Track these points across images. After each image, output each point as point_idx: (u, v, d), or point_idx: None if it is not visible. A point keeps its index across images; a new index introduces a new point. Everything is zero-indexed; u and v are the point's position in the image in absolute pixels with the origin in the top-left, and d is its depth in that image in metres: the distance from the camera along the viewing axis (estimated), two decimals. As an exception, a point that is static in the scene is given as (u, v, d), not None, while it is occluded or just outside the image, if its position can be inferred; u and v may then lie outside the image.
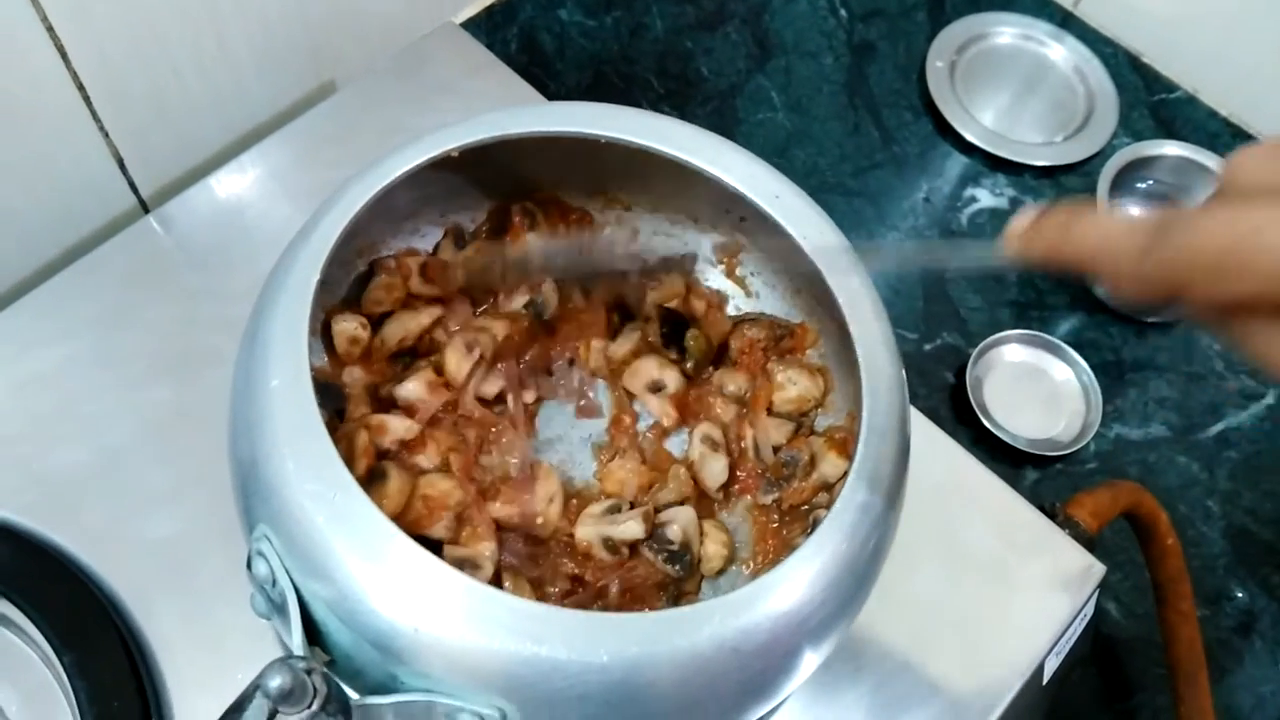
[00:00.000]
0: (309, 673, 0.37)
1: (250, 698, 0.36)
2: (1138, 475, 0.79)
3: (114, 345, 0.62)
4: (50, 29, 0.59)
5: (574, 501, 0.53)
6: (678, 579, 0.50)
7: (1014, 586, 0.61)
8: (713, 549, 0.51)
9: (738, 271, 0.59)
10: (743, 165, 0.49)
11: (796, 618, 0.40)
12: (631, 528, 0.50)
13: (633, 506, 0.52)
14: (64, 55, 0.62)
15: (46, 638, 0.53)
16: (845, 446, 0.52)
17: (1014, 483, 0.66)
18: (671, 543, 0.50)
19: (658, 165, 0.51)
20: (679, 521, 0.51)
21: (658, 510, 0.52)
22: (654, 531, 0.51)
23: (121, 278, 0.65)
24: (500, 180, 0.57)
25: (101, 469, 0.59)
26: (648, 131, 0.50)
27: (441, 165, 0.49)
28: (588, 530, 0.51)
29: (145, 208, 0.73)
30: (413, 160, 0.47)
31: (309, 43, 0.75)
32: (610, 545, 0.50)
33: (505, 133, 0.48)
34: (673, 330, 0.56)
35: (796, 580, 0.41)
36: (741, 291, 0.59)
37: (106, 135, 0.68)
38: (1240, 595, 0.76)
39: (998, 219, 0.89)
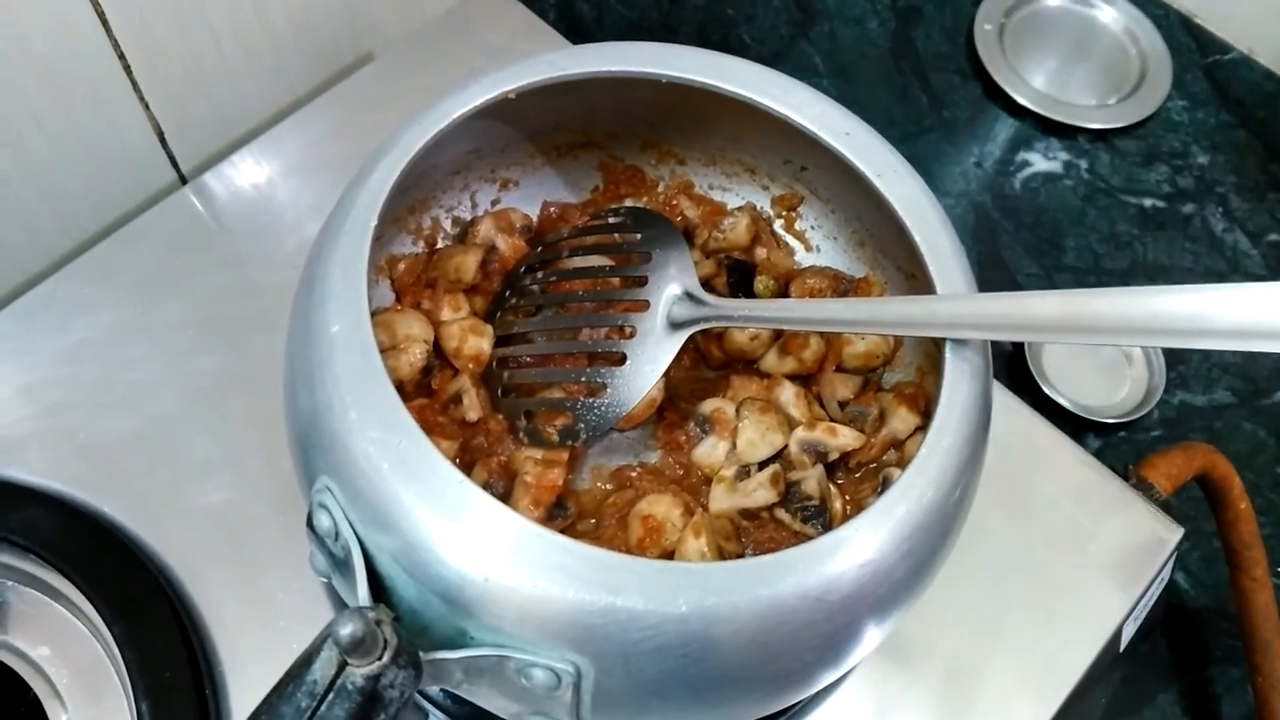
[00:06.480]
0: (379, 624, 0.35)
1: (319, 649, 0.35)
2: (1204, 442, 0.77)
3: (159, 313, 0.61)
4: (91, -7, 0.59)
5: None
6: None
7: (1088, 550, 0.59)
8: (839, 505, 0.49)
9: (797, 225, 0.57)
10: (811, 103, 0.47)
11: (883, 566, 0.38)
12: (761, 495, 0.48)
13: (761, 468, 0.50)
14: (105, 22, 0.61)
15: (96, 609, 0.52)
16: (916, 401, 0.50)
17: (1077, 452, 0.64)
18: (810, 498, 0.48)
19: (717, 109, 0.49)
20: (814, 476, 0.49)
21: (786, 469, 0.50)
22: (788, 490, 0.49)
23: (165, 245, 0.64)
24: (552, 134, 0.56)
25: (150, 437, 0.58)
26: (711, 70, 0.48)
27: (493, 115, 0.48)
28: (722, 503, 0.49)
29: (184, 180, 0.72)
30: (470, 102, 0.45)
31: (348, 11, 0.74)
32: (748, 515, 0.48)
33: (565, 73, 0.47)
34: (740, 278, 0.54)
35: (882, 527, 0.39)
36: (802, 246, 0.57)
37: (147, 106, 0.67)
38: (1315, 564, 0.74)
39: (1051, 183, 0.87)
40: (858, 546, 0.38)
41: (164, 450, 0.57)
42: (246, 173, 0.68)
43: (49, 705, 0.54)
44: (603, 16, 0.89)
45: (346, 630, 0.33)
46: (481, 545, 0.37)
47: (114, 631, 0.52)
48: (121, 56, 0.63)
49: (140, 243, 0.64)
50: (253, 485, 0.56)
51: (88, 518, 0.55)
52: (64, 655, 0.55)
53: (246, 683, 0.52)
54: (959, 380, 0.42)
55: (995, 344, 0.77)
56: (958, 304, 0.43)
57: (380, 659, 0.35)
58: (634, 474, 0.52)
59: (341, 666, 0.34)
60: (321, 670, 0.34)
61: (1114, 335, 0.39)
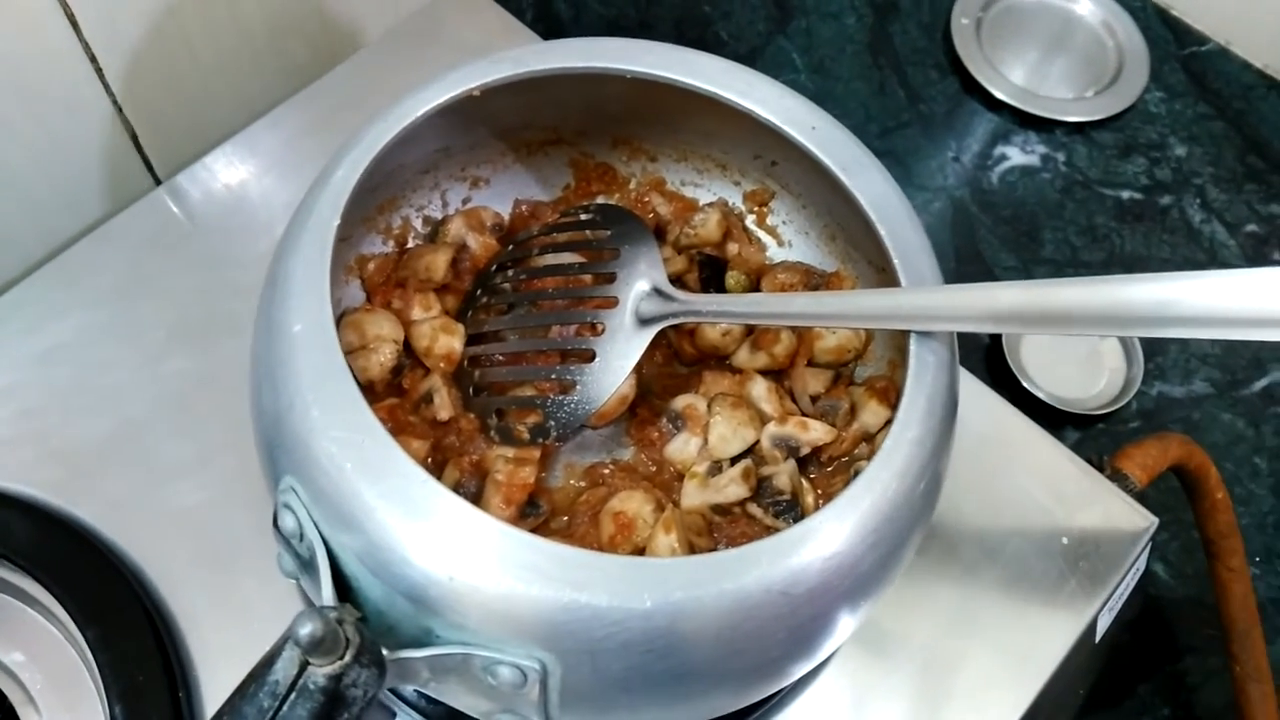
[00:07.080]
0: (340, 623, 0.35)
1: (280, 649, 0.35)
2: (1182, 433, 0.77)
3: (132, 316, 0.61)
4: (60, -2, 0.58)
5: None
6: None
7: (1063, 542, 0.59)
8: (811, 500, 0.49)
9: (769, 220, 0.57)
10: (777, 98, 0.47)
11: (848, 558, 0.38)
12: (733, 490, 0.48)
13: (733, 463, 0.49)
14: (75, 25, 0.60)
15: (69, 613, 0.52)
16: (887, 395, 0.50)
17: (1055, 444, 0.64)
18: (782, 493, 0.48)
19: (687, 105, 0.49)
20: (785, 471, 0.49)
21: (758, 464, 0.50)
22: (759, 485, 0.49)
23: (138, 247, 0.64)
24: (522, 131, 0.56)
25: (122, 440, 0.58)
26: (678, 66, 0.48)
27: (459, 112, 0.48)
28: (694, 499, 0.49)
29: (158, 181, 0.72)
30: (434, 100, 0.45)
31: (321, 10, 0.74)
32: (720, 510, 0.48)
33: (529, 69, 0.47)
34: (712, 274, 0.54)
35: (847, 519, 0.39)
36: (774, 241, 0.57)
37: (120, 109, 0.67)
38: (1293, 552, 0.74)
39: (1029, 176, 0.87)
40: (823, 539, 0.39)
41: (137, 453, 0.57)
42: (221, 173, 0.68)
43: (23, 711, 0.53)
44: (580, 15, 0.89)
45: (306, 630, 0.33)
46: (445, 544, 0.37)
47: (87, 636, 0.51)
48: (93, 59, 0.63)
49: (113, 245, 0.64)
50: (226, 488, 0.56)
51: (60, 522, 0.55)
52: (38, 661, 0.54)
53: (220, 685, 0.52)
54: (924, 373, 0.42)
55: (972, 337, 0.78)
56: (922, 296, 0.43)
57: (342, 658, 0.35)
58: (606, 471, 0.52)
59: (303, 666, 0.34)
60: (283, 670, 0.34)
61: (1081, 325, 0.39)
